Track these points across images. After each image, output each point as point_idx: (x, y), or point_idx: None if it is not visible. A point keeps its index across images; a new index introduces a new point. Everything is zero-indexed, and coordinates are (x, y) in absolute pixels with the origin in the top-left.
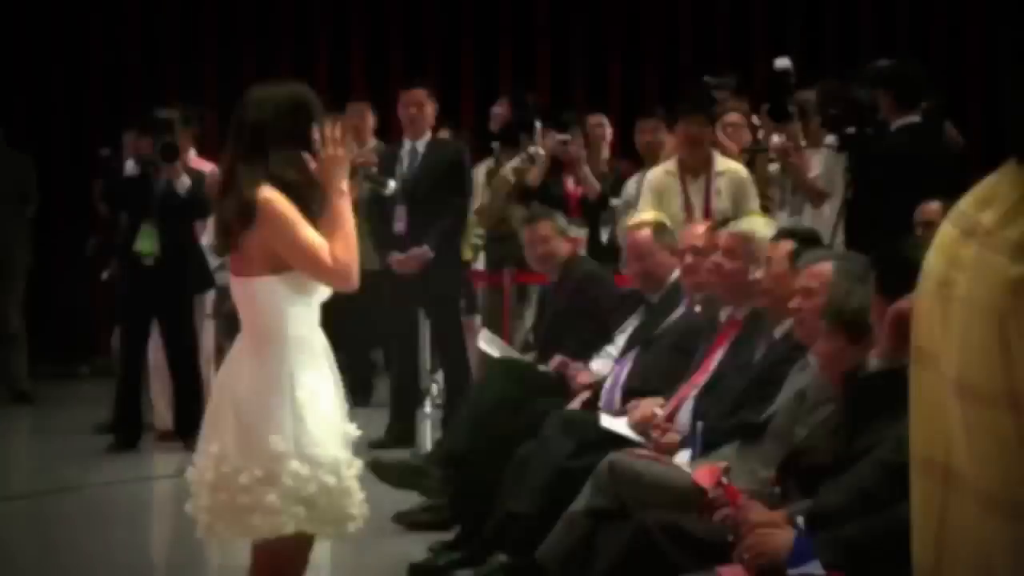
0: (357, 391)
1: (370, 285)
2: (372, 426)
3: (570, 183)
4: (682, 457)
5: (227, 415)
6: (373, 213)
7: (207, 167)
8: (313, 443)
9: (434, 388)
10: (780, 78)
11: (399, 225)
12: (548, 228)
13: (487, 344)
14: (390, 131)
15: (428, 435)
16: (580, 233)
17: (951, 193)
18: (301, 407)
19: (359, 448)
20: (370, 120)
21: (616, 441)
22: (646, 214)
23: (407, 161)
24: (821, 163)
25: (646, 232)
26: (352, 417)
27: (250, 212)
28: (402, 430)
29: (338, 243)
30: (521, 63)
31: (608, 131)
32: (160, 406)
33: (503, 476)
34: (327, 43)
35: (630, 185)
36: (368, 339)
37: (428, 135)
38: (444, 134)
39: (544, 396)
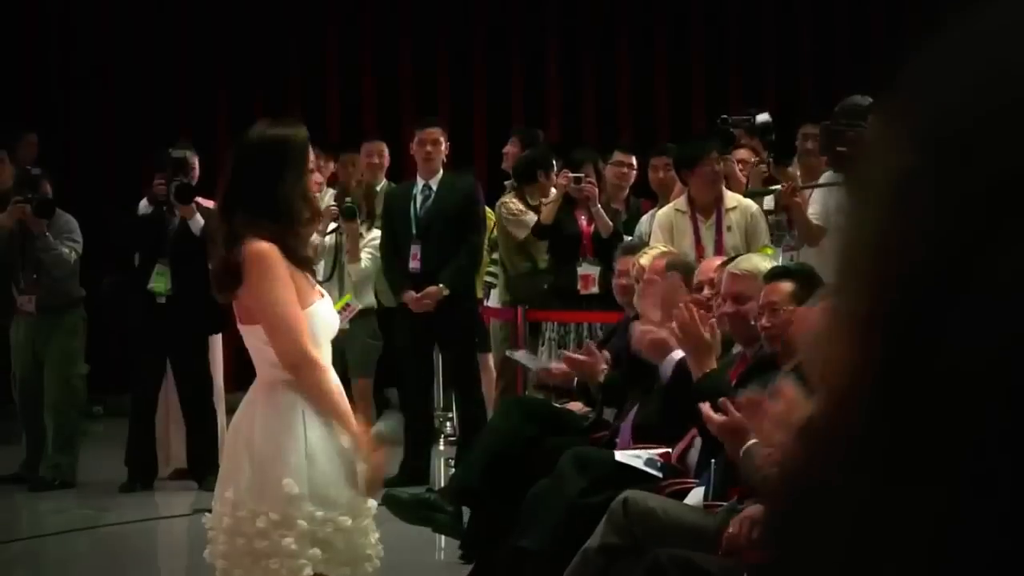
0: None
1: (385, 323)
2: (387, 463)
3: (584, 220)
4: (697, 495)
5: (241, 460)
6: (388, 251)
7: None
8: (327, 484)
9: (448, 425)
10: (762, 130)
11: (414, 263)
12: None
13: (525, 360)
14: (403, 170)
15: (442, 472)
16: (593, 271)
17: None
18: (314, 449)
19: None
20: (386, 159)
21: (630, 477)
22: (661, 247)
23: (420, 199)
24: (817, 201)
25: (661, 264)
26: None
27: (236, 270)
28: (416, 467)
29: (327, 383)
30: (532, 102)
31: (633, 170)
32: (174, 445)
33: (517, 512)
34: (339, 82)
35: (643, 222)
36: (383, 376)
37: (441, 173)
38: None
39: (558, 433)
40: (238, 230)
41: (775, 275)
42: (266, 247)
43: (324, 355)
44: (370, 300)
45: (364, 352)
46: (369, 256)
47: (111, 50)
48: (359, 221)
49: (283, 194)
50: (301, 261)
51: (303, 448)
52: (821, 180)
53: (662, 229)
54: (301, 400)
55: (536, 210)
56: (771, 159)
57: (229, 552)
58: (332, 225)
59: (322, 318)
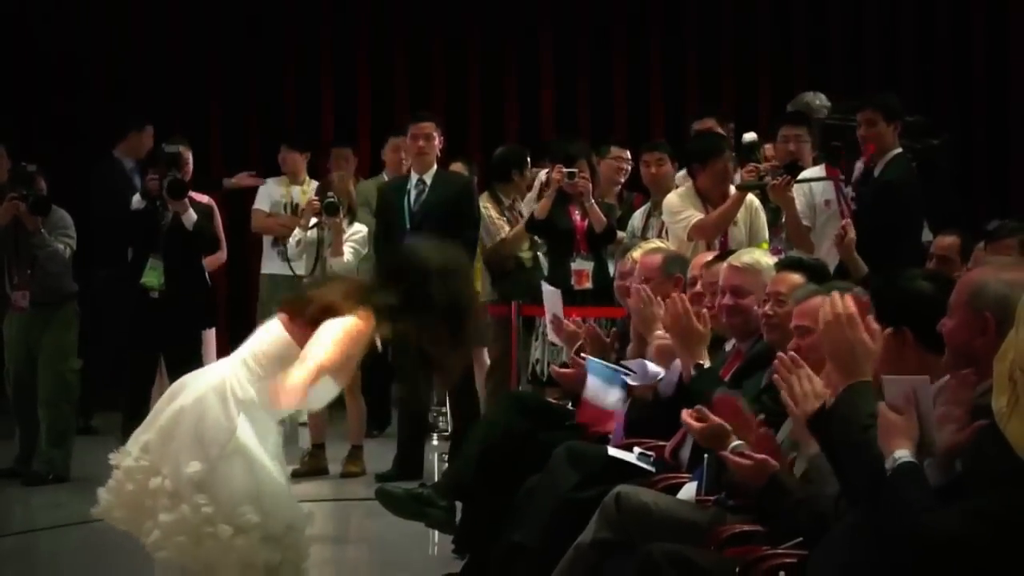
0: (371, 422)
1: None
2: (381, 458)
3: (577, 216)
4: (689, 490)
5: (168, 417)
6: (381, 246)
7: (204, 199)
8: (229, 488)
9: (441, 420)
10: (749, 148)
11: None
12: None
13: (549, 300)
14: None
15: (436, 466)
16: (587, 266)
17: (948, 223)
18: (236, 449)
19: (368, 480)
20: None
21: (623, 473)
22: (661, 242)
23: (414, 194)
24: (799, 199)
25: (656, 259)
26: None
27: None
28: (410, 462)
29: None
30: (527, 98)
31: (629, 165)
32: None
33: (510, 507)
34: (333, 78)
35: (636, 217)
36: (380, 371)
37: (435, 168)
38: (456, 167)
39: (552, 428)
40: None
41: (786, 265)
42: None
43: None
44: None
45: None
46: (352, 250)
47: (103, 42)
48: (341, 216)
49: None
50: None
51: (226, 443)
52: (809, 174)
53: (684, 200)
54: (247, 396)
55: (510, 210)
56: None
57: (120, 491)
58: (313, 220)
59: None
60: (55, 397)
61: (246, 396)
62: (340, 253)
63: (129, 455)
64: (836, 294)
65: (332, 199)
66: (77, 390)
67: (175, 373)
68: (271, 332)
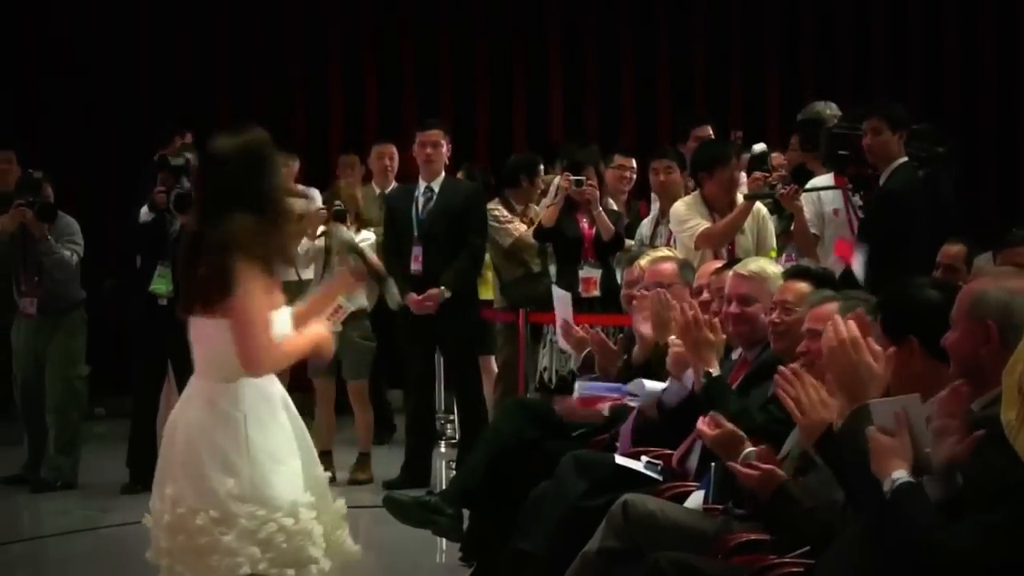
0: (378, 430)
1: (387, 325)
2: (389, 465)
3: (585, 223)
4: (696, 498)
5: (182, 457)
6: (390, 253)
7: None
8: (267, 484)
9: (449, 427)
10: (759, 159)
11: (415, 265)
12: None
13: (560, 303)
14: (406, 174)
15: (443, 474)
16: (594, 273)
17: (952, 232)
18: (255, 449)
19: (376, 487)
20: (396, 160)
21: (631, 480)
22: (669, 250)
23: (422, 201)
24: (808, 206)
25: (671, 266)
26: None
27: (230, 277)
28: (417, 469)
29: (287, 343)
30: (535, 105)
31: (633, 174)
32: None
33: (517, 515)
34: (341, 84)
35: (644, 225)
36: (386, 378)
37: (443, 175)
38: (459, 174)
39: (559, 435)
40: (231, 238)
41: (793, 274)
42: (247, 264)
43: None
44: (361, 302)
45: (357, 354)
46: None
47: (111, 49)
48: (348, 223)
49: (267, 193)
50: (282, 261)
51: (244, 447)
52: (818, 182)
53: (691, 209)
54: (243, 399)
55: (522, 215)
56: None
57: (172, 549)
58: (321, 228)
59: (273, 328)
60: (63, 404)
61: (233, 402)
62: (349, 263)
63: (164, 513)
64: (838, 318)
65: (339, 207)
66: (85, 397)
67: (183, 380)
68: (209, 335)
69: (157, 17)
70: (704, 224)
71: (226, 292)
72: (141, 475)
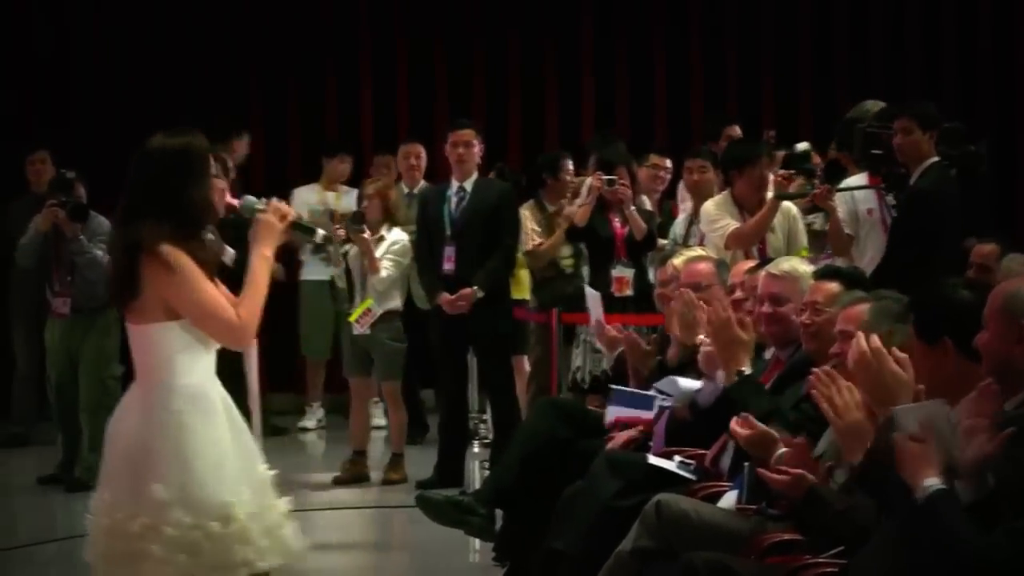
0: (412, 430)
1: (420, 325)
2: (422, 465)
3: (617, 223)
4: (729, 498)
5: (118, 462)
6: (422, 253)
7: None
8: (199, 487)
9: (482, 427)
10: (801, 157)
11: (448, 265)
12: None
13: (592, 303)
14: (436, 174)
15: (476, 474)
16: (627, 273)
17: (985, 231)
18: (189, 453)
19: (409, 487)
20: (423, 160)
21: (664, 481)
22: (702, 250)
23: (455, 201)
24: (841, 207)
25: (707, 266)
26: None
27: (137, 278)
28: (450, 469)
29: (244, 303)
30: (567, 105)
31: (668, 173)
32: None
33: (551, 515)
34: (373, 84)
35: (678, 224)
36: (419, 378)
37: (475, 175)
38: (491, 174)
39: (592, 435)
40: (141, 238)
41: (823, 274)
42: (171, 247)
43: (205, 362)
44: (393, 304)
45: (389, 355)
46: (390, 263)
47: (144, 48)
48: (366, 227)
49: (187, 201)
50: (204, 265)
51: (176, 452)
52: (851, 182)
53: (721, 208)
54: (177, 404)
55: (555, 215)
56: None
57: (108, 554)
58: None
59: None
60: (96, 404)
61: (165, 405)
62: (376, 269)
63: (103, 517)
64: (860, 335)
65: (357, 209)
66: (119, 397)
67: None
68: (139, 342)
69: (189, 16)
70: (733, 224)
71: (133, 293)
72: None
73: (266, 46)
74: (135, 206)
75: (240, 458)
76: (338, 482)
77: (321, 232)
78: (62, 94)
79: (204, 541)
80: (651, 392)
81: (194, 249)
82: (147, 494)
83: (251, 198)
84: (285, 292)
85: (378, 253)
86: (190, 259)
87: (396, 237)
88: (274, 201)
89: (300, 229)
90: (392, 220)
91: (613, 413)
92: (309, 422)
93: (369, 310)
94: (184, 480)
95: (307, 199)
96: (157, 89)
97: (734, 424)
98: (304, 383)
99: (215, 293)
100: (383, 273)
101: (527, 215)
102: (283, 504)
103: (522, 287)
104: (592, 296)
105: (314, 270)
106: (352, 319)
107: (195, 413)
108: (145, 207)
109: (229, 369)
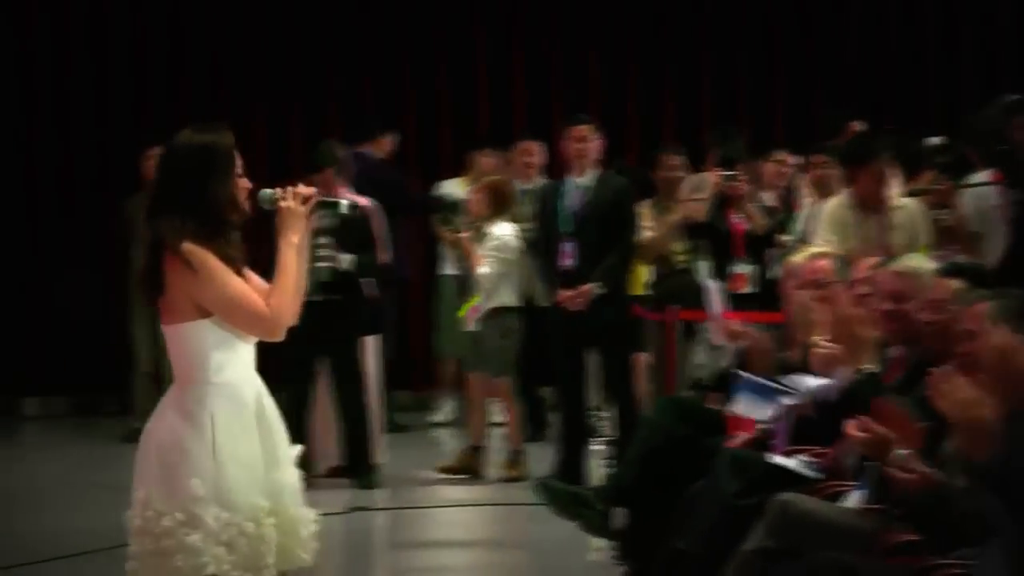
0: (530, 428)
1: (539, 322)
2: (542, 463)
3: (736, 219)
4: (854, 498)
5: (152, 460)
6: (541, 249)
7: (364, 201)
8: (232, 488)
9: (602, 425)
10: (935, 151)
11: (566, 261)
12: None
13: (712, 297)
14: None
15: (596, 472)
16: (746, 270)
17: None
18: (221, 452)
19: (528, 484)
20: (538, 156)
21: (786, 480)
22: (826, 247)
23: (573, 196)
24: (968, 204)
25: (828, 263)
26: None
27: (161, 275)
28: (570, 467)
29: (275, 293)
30: (686, 103)
31: (791, 169)
32: (327, 443)
33: (672, 514)
34: (488, 81)
35: (801, 220)
36: (538, 375)
37: (594, 170)
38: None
39: (713, 433)
40: (165, 235)
41: (946, 272)
42: (195, 246)
43: (240, 359)
44: (502, 300)
45: (497, 351)
46: (493, 259)
47: (252, 48)
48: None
49: (210, 198)
50: (230, 261)
51: (211, 450)
52: (977, 178)
53: (832, 223)
54: (211, 402)
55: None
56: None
57: (139, 552)
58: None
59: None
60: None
61: (200, 404)
62: (477, 265)
63: (135, 517)
64: (994, 330)
65: (447, 200)
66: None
67: (336, 376)
68: (173, 341)
69: (336, 12)
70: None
71: (159, 291)
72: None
73: (379, 49)
74: (160, 203)
75: (264, 462)
76: (444, 470)
77: (344, 202)
78: (177, 89)
79: (240, 538)
80: (777, 384)
81: (220, 246)
82: (184, 489)
83: (266, 190)
84: (409, 288)
85: (484, 249)
86: (214, 256)
87: (500, 232)
88: (292, 188)
89: (325, 206)
90: (501, 215)
91: (738, 401)
92: (439, 417)
93: (476, 306)
94: (218, 478)
95: (452, 192)
96: (264, 89)
97: (851, 428)
98: (431, 378)
99: (241, 286)
100: (485, 269)
101: (645, 212)
102: (303, 511)
103: (639, 283)
104: (713, 288)
105: (449, 265)
106: (461, 314)
107: (229, 412)
108: (169, 204)
109: (347, 366)
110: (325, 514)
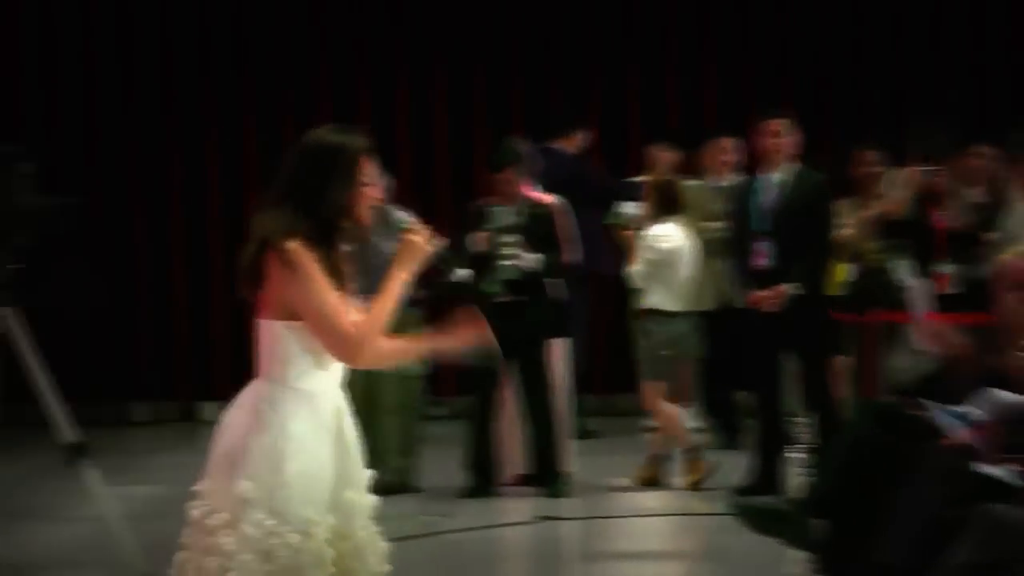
0: (723, 435)
1: (734, 324)
2: (736, 471)
3: (938, 216)
4: None
5: (219, 454)
6: (734, 249)
7: (548, 199)
8: (286, 495)
9: (800, 431)
10: None
11: (760, 260)
12: None
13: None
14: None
15: (795, 480)
16: (948, 270)
17: None
18: (284, 458)
19: (718, 494)
20: (733, 153)
21: (994, 490)
22: None
23: (770, 193)
24: None
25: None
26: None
27: (261, 269)
28: (766, 475)
29: (368, 319)
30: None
31: (994, 163)
32: (511, 449)
33: (872, 524)
34: (639, 79)
35: (1011, 216)
36: (733, 380)
37: (790, 166)
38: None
39: (915, 440)
40: (270, 231)
41: None
42: (300, 246)
43: (326, 371)
44: (652, 302)
45: (645, 355)
46: (645, 259)
47: (314, 50)
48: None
49: (327, 201)
50: (331, 273)
51: (272, 454)
52: None
53: None
54: (284, 408)
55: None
56: None
57: (187, 544)
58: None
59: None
60: (399, 404)
61: (273, 405)
62: (632, 261)
63: (193, 508)
64: None
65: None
66: (421, 398)
67: (522, 381)
68: (264, 336)
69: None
70: None
71: (257, 285)
72: (479, 480)
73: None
74: (276, 197)
75: (335, 479)
76: (636, 480)
77: (460, 272)
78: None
79: (280, 549)
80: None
81: (326, 254)
82: (236, 489)
83: (404, 214)
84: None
85: (639, 249)
86: (315, 262)
87: (657, 232)
88: (425, 227)
89: (444, 261)
90: (667, 215)
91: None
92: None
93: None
94: (273, 484)
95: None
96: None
97: None
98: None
99: (333, 300)
100: (636, 267)
101: (843, 209)
102: (375, 536)
103: (835, 283)
104: (918, 288)
105: None
106: None
107: (301, 419)
108: (284, 200)
109: (533, 369)
110: (511, 524)
